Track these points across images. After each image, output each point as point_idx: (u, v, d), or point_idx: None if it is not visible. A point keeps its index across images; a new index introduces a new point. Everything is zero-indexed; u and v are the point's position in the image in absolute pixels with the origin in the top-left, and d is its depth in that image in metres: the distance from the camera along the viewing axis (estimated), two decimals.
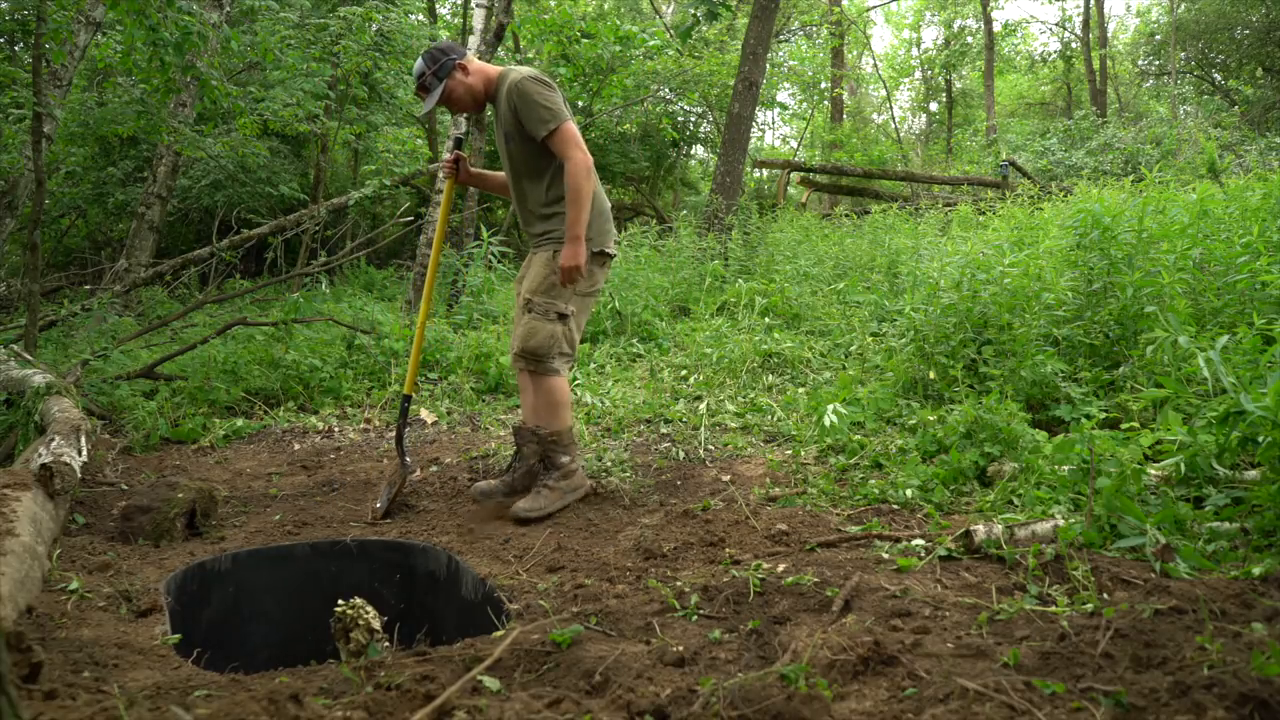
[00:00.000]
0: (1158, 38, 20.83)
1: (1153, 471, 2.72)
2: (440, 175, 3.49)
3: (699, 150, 17.50)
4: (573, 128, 3.09)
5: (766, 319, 5.96)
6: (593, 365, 5.54)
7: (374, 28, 9.90)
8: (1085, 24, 21.27)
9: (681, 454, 3.84)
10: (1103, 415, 3.29)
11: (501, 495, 3.29)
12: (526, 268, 3.33)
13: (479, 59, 3.53)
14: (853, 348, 5.27)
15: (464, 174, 3.50)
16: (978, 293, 4.11)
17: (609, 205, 3.31)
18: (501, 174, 3.56)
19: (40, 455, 3.19)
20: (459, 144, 3.57)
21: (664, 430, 4.20)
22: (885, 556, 2.42)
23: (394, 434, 3.70)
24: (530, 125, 3.07)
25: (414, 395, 3.67)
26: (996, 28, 22.90)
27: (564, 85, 11.23)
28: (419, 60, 3.22)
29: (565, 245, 3.06)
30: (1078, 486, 2.73)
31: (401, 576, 3.01)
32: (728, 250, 7.62)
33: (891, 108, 26.04)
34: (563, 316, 3.17)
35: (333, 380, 5.25)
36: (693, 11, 8.17)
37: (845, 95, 22.46)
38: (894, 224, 8.51)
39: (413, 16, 12.64)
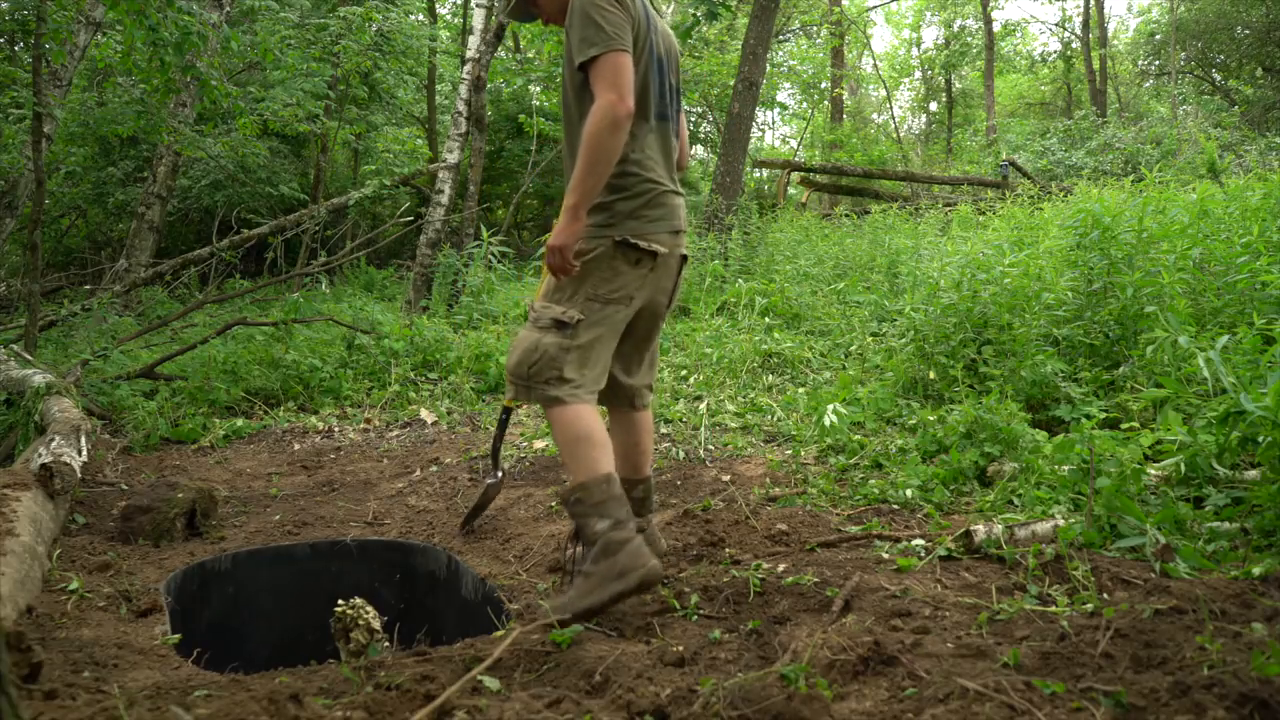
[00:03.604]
0: (1158, 37, 20.83)
1: (1153, 471, 2.71)
2: None
3: (699, 150, 17.50)
4: (621, 61, 2.18)
5: (766, 319, 5.96)
6: None
7: (374, 28, 9.91)
8: (1085, 24, 21.28)
9: (681, 454, 3.83)
10: (1103, 415, 3.28)
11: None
12: None
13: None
14: (853, 348, 5.27)
15: None
16: (978, 293, 4.11)
17: (668, 187, 2.39)
18: None
19: (40, 455, 3.20)
20: None
21: (664, 430, 4.20)
22: (885, 556, 2.42)
23: (493, 445, 3.23)
24: (573, 47, 2.23)
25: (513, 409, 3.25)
26: (996, 28, 22.93)
27: None
28: None
29: (560, 216, 2.22)
30: (1078, 486, 2.73)
31: (401, 576, 3.01)
32: (728, 250, 7.63)
33: (891, 108, 26.06)
34: (561, 325, 2.28)
35: (333, 380, 5.25)
36: (693, 11, 8.18)
37: (845, 95, 22.47)
38: (894, 224, 8.51)
39: (413, 16, 12.65)
